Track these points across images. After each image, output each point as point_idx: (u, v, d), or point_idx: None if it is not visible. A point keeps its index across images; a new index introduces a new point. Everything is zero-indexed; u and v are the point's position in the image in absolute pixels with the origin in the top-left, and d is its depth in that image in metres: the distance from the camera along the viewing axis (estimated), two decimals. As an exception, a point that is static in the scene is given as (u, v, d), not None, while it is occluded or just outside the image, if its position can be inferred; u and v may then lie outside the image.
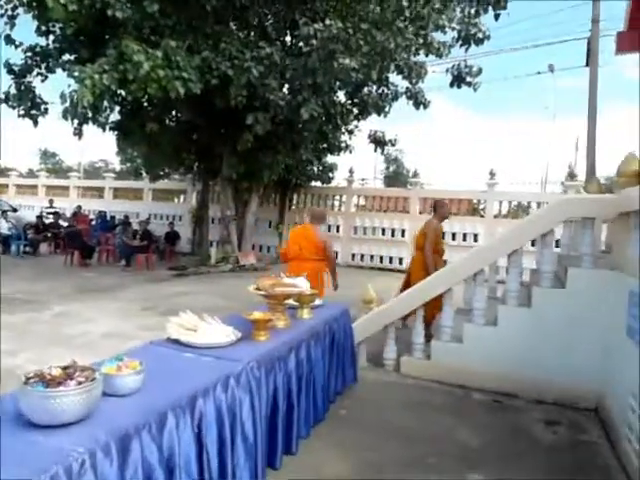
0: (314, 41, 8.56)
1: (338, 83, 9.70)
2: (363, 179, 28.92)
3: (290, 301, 3.35)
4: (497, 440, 3.37)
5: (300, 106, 9.01)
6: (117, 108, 10.77)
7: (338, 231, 14.51)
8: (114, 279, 9.88)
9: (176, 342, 2.60)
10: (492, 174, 13.05)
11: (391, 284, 10.94)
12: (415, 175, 13.86)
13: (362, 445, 3.15)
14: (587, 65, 14.79)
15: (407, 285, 5.54)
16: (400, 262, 13.61)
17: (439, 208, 5.87)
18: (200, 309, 3.23)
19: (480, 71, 10.13)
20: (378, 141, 12.71)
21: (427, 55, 10.26)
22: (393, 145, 12.80)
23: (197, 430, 1.92)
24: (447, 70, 10.39)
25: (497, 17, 8.93)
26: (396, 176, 34.98)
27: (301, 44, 9.35)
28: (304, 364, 2.96)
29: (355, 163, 23.60)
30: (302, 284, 3.45)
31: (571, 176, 12.58)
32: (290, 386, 2.75)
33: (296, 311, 3.50)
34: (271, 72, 8.75)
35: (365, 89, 10.32)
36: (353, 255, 14.24)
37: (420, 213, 14.02)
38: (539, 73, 18.67)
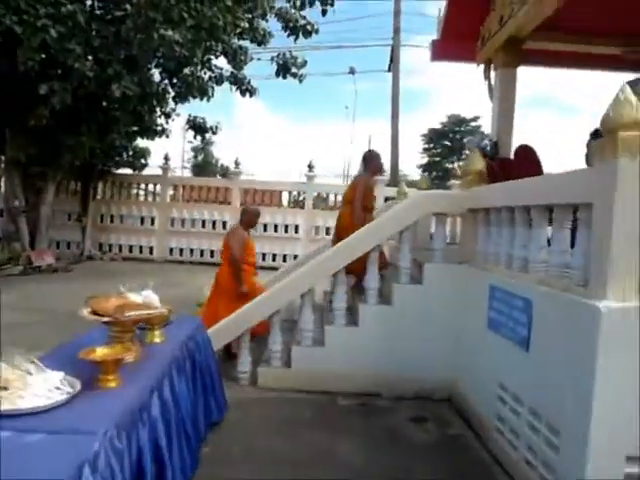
0: (128, 6, 7.34)
1: (158, 59, 8.60)
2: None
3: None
4: (373, 449, 3.16)
5: (111, 81, 7.67)
6: None
7: (153, 224, 13.17)
8: None
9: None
10: (311, 167, 13.34)
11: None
12: (237, 165, 13.34)
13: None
14: (389, 71, 16.26)
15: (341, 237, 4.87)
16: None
17: (372, 160, 5.40)
18: None
19: (305, 63, 10.13)
20: (198, 127, 11.80)
21: (252, 41, 9.81)
22: (215, 133, 12.05)
23: None
24: (272, 59, 10.13)
25: (324, 13, 8.99)
26: (205, 165, 33.89)
27: (112, 7, 7.96)
28: (170, 406, 2.27)
29: (161, 150, 21.86)
30: (154, 299, 2.70)
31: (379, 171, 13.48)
32: (159, 441, 2.05)
33: (144, 334, 2.73)
34: (75, 36, 7.22)
35: (187, 69, 9.38)
36: (171, 249, 13.10)
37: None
38: (347, 73, 19.84)
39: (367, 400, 3.96)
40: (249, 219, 5.30)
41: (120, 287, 2.71)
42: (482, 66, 7.53)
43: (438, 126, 32.91)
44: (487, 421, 3.29)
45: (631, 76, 7.65)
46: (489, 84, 7.41)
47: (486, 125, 33.98)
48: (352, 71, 22.60)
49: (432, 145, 33.99)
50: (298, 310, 4.28)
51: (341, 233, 5.15)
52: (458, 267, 4.01)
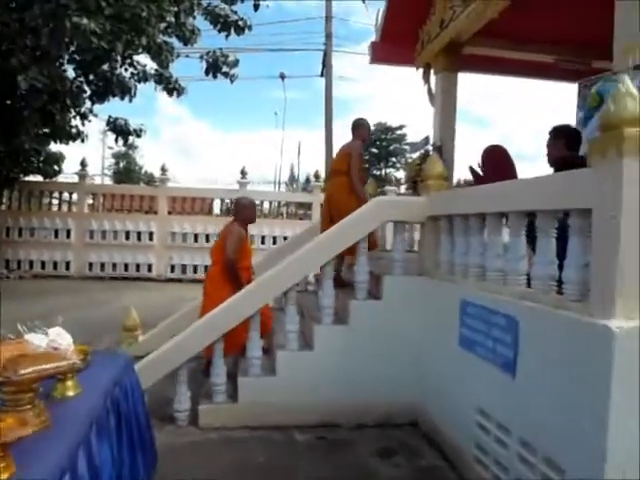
0: (34, -10, 6.45)
1: (72, 53, 7.68)
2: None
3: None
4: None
5: (15, 73, 6.70)
6: None
7: (69, 236, 11.93)
8: None
9: None
10: (243, 173, 12.77)
11: (150, 298, 9.50)
12: (163, 172, 12.46)
13: None
14: (322, 76, 16.06)
15: (328, 223, 4.32)
16: (149, 269, 12.09)
17: (362, 128, 4.94)
18: None
19: (237, 62, 9.57)
20: (119, 130, 10.82)
21: (179, 38, 9.11)
22: (138, 136, 11.11)
23: None
24: (201, 57, 9.48)
25: (256, 7, 8.50)
26: (128, 172, 32.08)
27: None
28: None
29: (79, 156, 20.21)
30: (64, 341, 2.09)
31: (316, 177, 13.28)
32: None
33: (53, 386, 2.11)
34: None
35: (105, 65, 8.48)
36: (91, 264, 11.91)
37: (169, 213, 12.75)
38: (277, 77, 19.48)
39: (326, 432, 3.51)
40: (246, 213, 4.59)
41: (19, 327, 2.07)
42: (421, 70, 7.43)
43: (366, 134, 33.43)
44: (464, 450, 2.96)
45: (564, 85, 7.87)
46: (429, 88, 7.30)
47: (411, 133, 35.01)
48: (282, 76, 22.26)
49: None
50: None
51: (332, 212, 4.61)
52: (421, 279, 3.69)
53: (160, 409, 3.56)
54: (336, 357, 3.63)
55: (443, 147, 6.65)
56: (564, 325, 2.14)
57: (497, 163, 3.67)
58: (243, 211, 4.60)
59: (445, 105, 6.73)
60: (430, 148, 6.89)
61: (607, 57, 7.16)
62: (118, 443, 2.26)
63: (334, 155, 5.60)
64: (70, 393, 2.10)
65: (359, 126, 4.96)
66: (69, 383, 2.11)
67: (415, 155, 7.02)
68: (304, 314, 4.19)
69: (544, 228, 2.42)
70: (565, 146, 2.94)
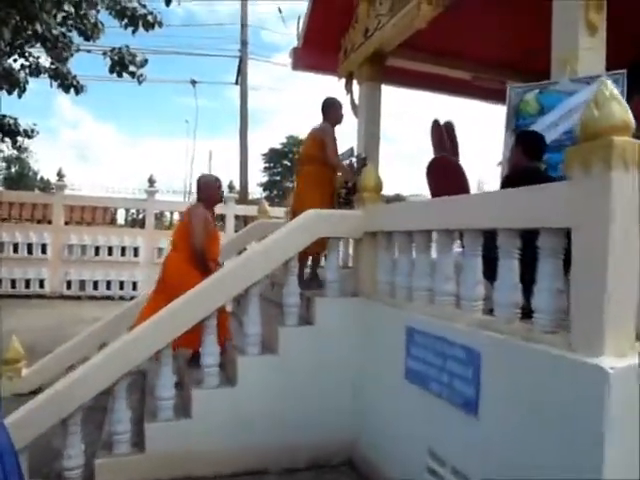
0: None
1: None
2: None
3: None
4: None
5: None
6: None
7: (-59, 249, 10.23)
8: None
9: None
10: (151, 181, 11.86)
11: (41, 318, 8.21)
12: (60, 177, 11.16)
13: None
14: (237, 83, 15.53)
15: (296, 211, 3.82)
16: (41, 285, 10.71)
17: (333, 108, 4.36)
18: None
19: (146, 61, 8.74)
20: (8, 130, 9.46)
21: (79, 31, 8.12)
22: (29, 137, 9.79)
23: None
24: (104, 53, 8.54)
25: (168, 3, 7.80)
26: (20, 178, 29.12)
27: None
28: None
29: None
30: None
31: (230, 188, 12.68)
32: None
33: None
34: None
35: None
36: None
37: (66, 224, 11.44)
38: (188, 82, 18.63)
39: (252, 482, 3.01)
40: (210, 192, 3.96)
41: None
42: (344, 80, 7.23)
43: (278, 146, 33.32)
44: (413, 499, 2.62)
45: (477, 103, 8.07)
46: (351, 99, 7.11)
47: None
48: (193, 82, 21.10)
49: (272, 165, 34.35)
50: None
51: (296, 206, 4.11)
52: (358, 302, 3.33)
53: (46, 465, 2.85)
54: (263, 392, 3.14)
55: (368, 159, 6.46)
56: (539, 360, 1.87)
57: (444, 174, 3.44)
58: (206, 190, 3.97)
59: (369, 116, 6.57)
60: (354, 160, 6.67)
61: (521, 78, 7.45)
62: None
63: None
64: None
65: (330, 106, 4.36)
66: None
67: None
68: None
69: (506, 249, 2.16)
70: (524, 154, 2.75)
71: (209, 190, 3.99)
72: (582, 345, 1.71)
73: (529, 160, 2.73)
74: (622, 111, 1.66)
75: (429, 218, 2.68)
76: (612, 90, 1.70)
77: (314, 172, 4.10)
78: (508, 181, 2.58)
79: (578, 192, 1.75)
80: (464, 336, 2.27)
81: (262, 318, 3.24)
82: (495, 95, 7.99)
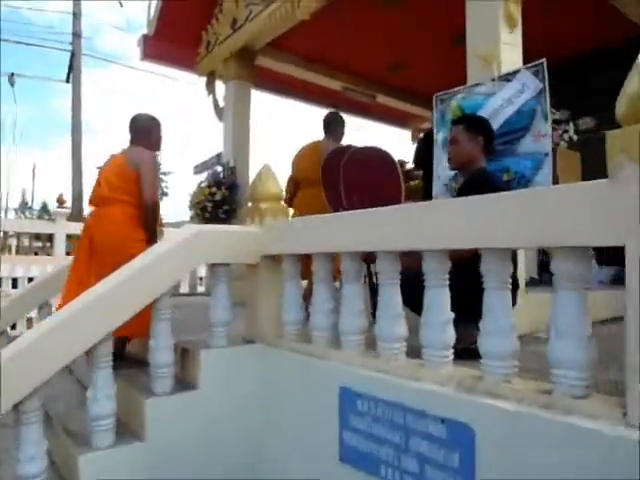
0: None
1: None
2: None
3: None
4: None
5: None
6: None
7: None
8: None
9: None
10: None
11: None
12: None
13: None
14: (68, 81, 13.43)
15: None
16: None
17: (340, 125, 3.81)
18: None
19: None
20: None
21: None
22: None
23: None
24: None
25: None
26: None
27: None
28: None
29: None
30: None
31: (59, 202, 10.65)
32: None
33: None
34: None
35: None
36: None
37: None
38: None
39: None
40: (154, 135, 3.08)
41: None
42: (204, 78, 6.32)
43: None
44: None
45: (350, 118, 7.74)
46: (214, 100, 6.23)
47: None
48: (12, 76, 16.88)
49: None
50: None
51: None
52: (257, 350, 2.45)
53: None
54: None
55: (237, 167, 5.62)
56: (575, 440, 1.25)
57: (377, 170, 2.76)
58: (149, 129, 3.06)
59: (237, 119, 5.76)
60: (220, 169, 5.78)
61: (391, 94, 7.33)
62: None
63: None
64: None
65: (340, 123, 3.82)
66: None
67: (203, 176, 5.80)
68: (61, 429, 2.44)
69: (496, 276, 1.54)
70: (483, 148, 2.21)
71: (152, 129, 3.08)
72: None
73: (486, 158, 2.22)
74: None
75: (369, 234, 1.95)
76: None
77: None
78: (471, 186, 1.99)
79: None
80: (441, 403, 1.58)
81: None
82: (363, 109, 7.81)
